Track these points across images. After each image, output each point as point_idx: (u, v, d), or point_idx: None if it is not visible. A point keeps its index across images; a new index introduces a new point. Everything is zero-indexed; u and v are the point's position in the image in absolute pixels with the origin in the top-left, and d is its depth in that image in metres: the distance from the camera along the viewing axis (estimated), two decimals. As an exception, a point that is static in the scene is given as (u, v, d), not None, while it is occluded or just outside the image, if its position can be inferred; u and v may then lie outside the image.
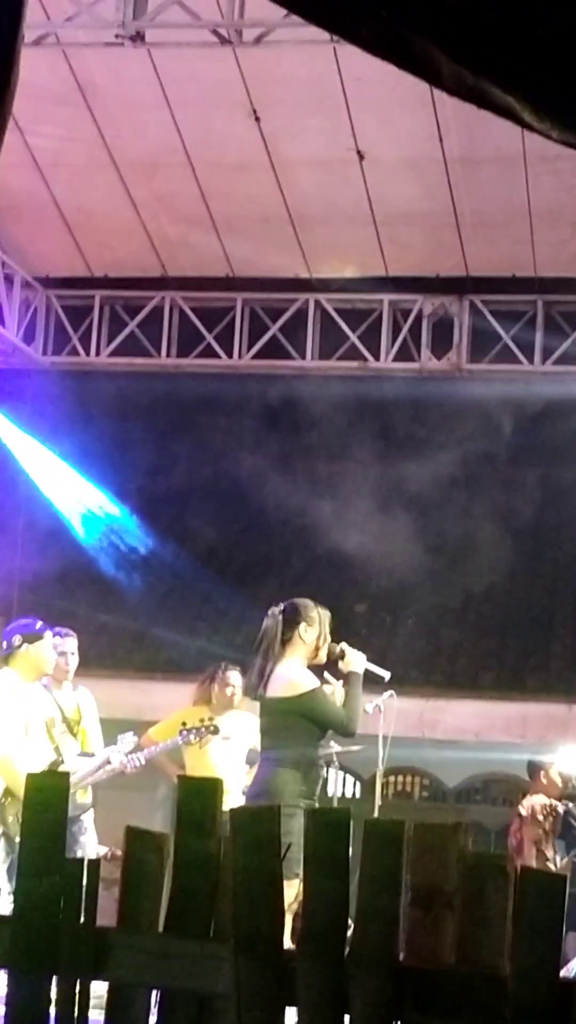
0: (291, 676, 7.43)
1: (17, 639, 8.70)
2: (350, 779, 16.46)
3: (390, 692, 11.60)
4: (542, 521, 16.54)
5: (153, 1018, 3.11)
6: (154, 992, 3.12)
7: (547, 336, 14.42)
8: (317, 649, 7.56)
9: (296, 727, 7.40)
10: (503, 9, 2.93)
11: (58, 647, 9.18)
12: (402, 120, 12.75)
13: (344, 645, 7.74)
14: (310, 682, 7.45)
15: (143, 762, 9.45)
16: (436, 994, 2.90)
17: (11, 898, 8.00)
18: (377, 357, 14.67)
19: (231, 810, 3.09)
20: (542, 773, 11.42)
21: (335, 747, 12.31)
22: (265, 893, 3.01)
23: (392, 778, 16.73)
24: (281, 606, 7.65)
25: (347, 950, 2.97)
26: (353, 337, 14.70)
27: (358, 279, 14.63)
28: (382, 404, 15.12)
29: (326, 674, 7.83)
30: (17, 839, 8.39)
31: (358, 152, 13.14)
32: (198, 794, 3.16)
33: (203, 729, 9.71)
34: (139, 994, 3.11)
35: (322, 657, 7.64)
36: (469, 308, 14.61)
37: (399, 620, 15.97)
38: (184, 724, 9.82)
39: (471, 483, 16.93)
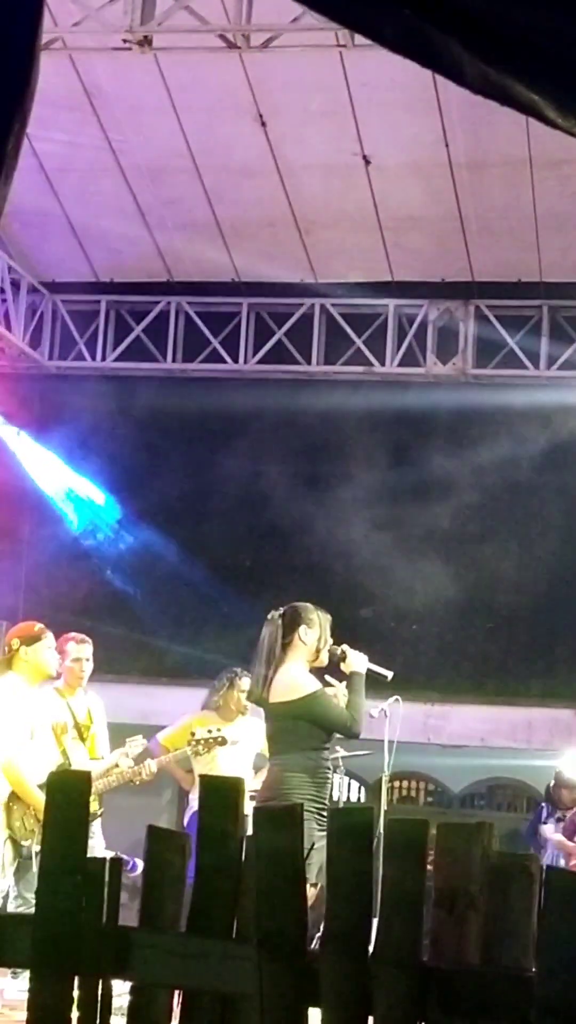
0: (292, 680, 7.43)
1: (15, 642, 8.69)
2: (355, 784, 16.43)
3: (395, 697, 11.58)
4: (544, 527, 16.51)
5: (175, 1018, 3.10)
6: (176, 992, 3.11)
7: (552, 341, 14.43)
8: (318, 652, 7.55)
9: (300, 731, 7.39)
10: (526, 7, 2.93)
11: (72, 653, 9.17)
12: (408, 125, 12.76)
13: (345, 647, 7.73)
14: (311, 685, 7.44)
15: (154, 771, 9.43)
16: (460, 994, 2.89)
17: (19, 901, 8.00)
18: (383, 362, 14.67)
19: (254, 810, 3.09)
20: None
21: (341, 752, 12.34)
22: (288, 893, 3.00)
23: (397, 783, 16.71)
24: (280, 610, 7.64)
25: (371, 950, 2.96)
26: (359, 342, 14.70)
27: (364, 284, 14.63)
28: (388, 409, 15.09)
29: (328, 677, 7.82)
30: (24, 843, 8.41)
31: (364, 157, 13.15)
32: (220, 794, 3.15)
33: (211, 740, 9.69)
34: (161, 994, 3.10)
35: (323, 660, 7.63)
36: (474, 313, 14.62)
37: (403, 626, 15.94)
38: (193, 735, 9.81)
39: (477, 489, 16.90)
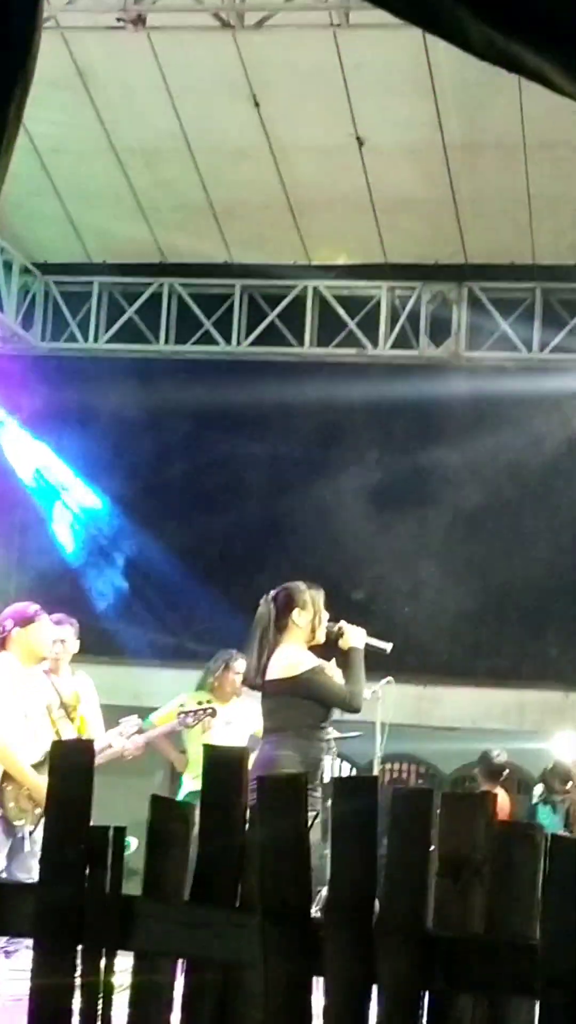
0: (290, 658, 7.40)
1: (9, 623, 8.67)
2: (346, 766, 16.44)
3: (388, 679, 11.59)
4: (536, 510, 16.51)
5: (179, 987, 3.09)
6: (180, 961, 3.10)
7: (545, 324, 14.42)
8: (314, 631, 7.52)
9: (299, 707, 7.36)
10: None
11: (53, 634, 9.19)
12: (402, 107, 12.73)
13: (343, 623, 7.70)
14: (310, 661, 7.41)
15: (141, 743, 9.45)
16: (465, 963, 2.88)
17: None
18: (375, 345, 14.66)
19: (258, 779, 3.08)
20: None
21: (333, 733, 12.35)
22: (292, 862, 2.99)
23: (388, 766, 16.74)
24: (272, 592, 7.61)
25: (375, 919, 2.95)
26: (352, 324, 14.69)
27: (357, 266, 14.62)
28: (381, 392, 15.07)
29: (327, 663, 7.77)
30: (16, 823, 8.39)
31: (358, 138, 13.12)
32: (223, 762, 3.14)
33: (200, 712, 9.71)
34: (165, 963, 3.09)
35: (320, 638, 7.59)
36: (468, 296, 14.61)
37: (395, 608, 15.93)
38: (182, 706, 9.85)
39: (468, 472, 16.89)
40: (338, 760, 14.10)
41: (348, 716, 12.87)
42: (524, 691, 15.19)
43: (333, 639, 7.65)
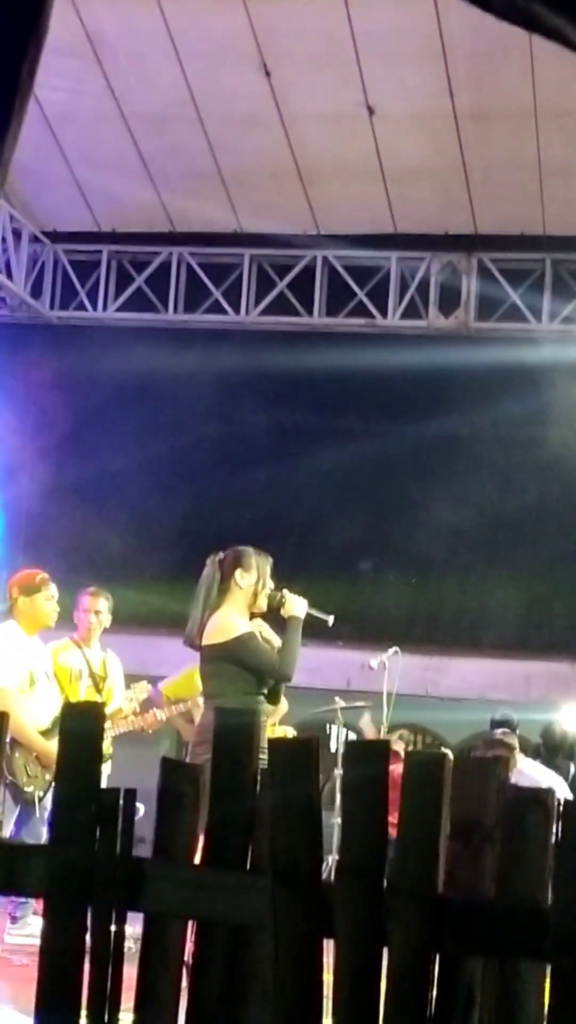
0: (222, 623, 7.33)
1: (14, 591, 8.67)
2: (352, 736, 16.46)
3: (394, 649, 11.61)
4: (545, 481, 16.52)
5: (189, 949, 3.10)
6: (190, 923, 3.10)
7: (555, 295, 14.38)
8: (256, 596, 7.44)
9: (231, 674, 7.29)
10: None
11: (83, 605, 9.32)
12: (412, 75, 12.68)
13: (285, 591, 7.64)
14: (240, 628, 7.34)
15: (162, 719, 9.47)
16: (476, 927, 2.88)
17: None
18: (384, 315, 14.63)
19: (269, 741, 3.07)
20: None
21: (340, 703, 12.37)
22: (303, 824, 2.99)
23: (394, 735, 16.74)
24: (221, 554, 7.56)
25: (386, 882, 2.95)
26: (361, 294, 14.66)
27: (366, 236, 14.57)
28: (389, 363, 15.06)
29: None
30: (27, 789, 8.40)
31: (368, 107, 13.07)
32: (235, 725, 3.14)
33: None
34: (175, 925, 3.10)
35: (262, 605, 7.50)
36: (477, 266, 14.56)
37: (402, 579, 15.96)
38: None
39: (472, 444, 16.89)
40: (344, 730, 14.15)
41: (356, 685, 12.95)
42: (530, 662, 15.21)
43: (275, 607, 7.57)
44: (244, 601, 7.41)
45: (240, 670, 7.28)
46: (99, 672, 9.27)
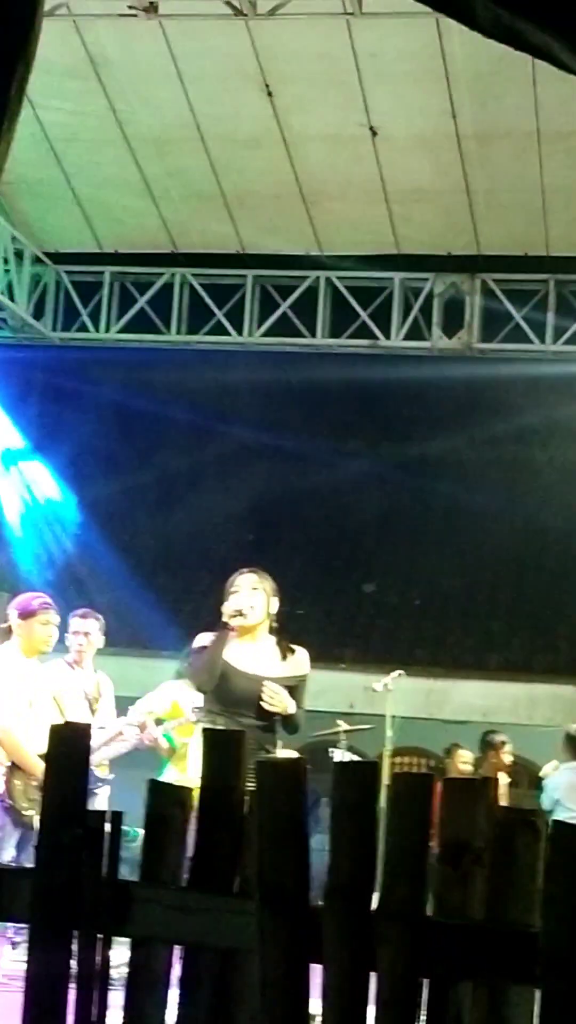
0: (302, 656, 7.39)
1: (13, 615, 8.68)
2: (356, 759, 16.42)
3: (398, 672, 11.57)
4: (549, 503, 16.49)
5: (176, 973, 3.06)
6: (176, 947, 3.07)
7: (558, 315, 14.38)
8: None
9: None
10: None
11: (72, 627, 9.36)
12: (415, 96, 12.69)
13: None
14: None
15: (158, 737, 9.46)
16: (465, 950, 2.85)
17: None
18: (388, 336, 14.63)
19: (256, 763, 3.04)
20: None
21: (343, 725, 12.32)
22: (290, 847, 2.96)
23: (398, 759, 16.68)
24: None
25: (374, 906, 2.92)
26: (364, 315, 14.66)
27: (369, 257, 14.59)
28: (392, 383, 15.05)
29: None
30: (25, 813, 8.37)
31: (371, 128, 13.08)
32: (222, 747, 3.11)
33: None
34: (162, 949, 3.06)
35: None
36: (480, 287, 14.56)
37: (406, 601, 15.92)
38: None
39: (476, 464, 16.87)
40: (348, 753, 14.10)
41: (359, 708, 12.91)
42: (535, 685, 15.16)
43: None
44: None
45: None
46: (93, 694, 9.28)
